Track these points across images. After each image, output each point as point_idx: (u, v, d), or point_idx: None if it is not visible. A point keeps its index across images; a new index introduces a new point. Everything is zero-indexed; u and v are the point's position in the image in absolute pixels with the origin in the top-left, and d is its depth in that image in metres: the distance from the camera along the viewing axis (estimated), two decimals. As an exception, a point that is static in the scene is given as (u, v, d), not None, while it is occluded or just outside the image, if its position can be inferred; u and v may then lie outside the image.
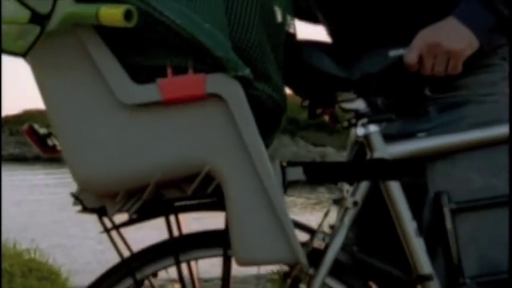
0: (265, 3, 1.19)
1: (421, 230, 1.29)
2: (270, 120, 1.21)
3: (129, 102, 1.15)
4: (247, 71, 1.12)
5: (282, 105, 1.19)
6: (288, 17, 1.28)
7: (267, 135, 1.21)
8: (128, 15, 1.05)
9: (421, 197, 1.32)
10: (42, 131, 1.28)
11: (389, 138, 1.31)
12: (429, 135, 1.34)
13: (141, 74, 1.15)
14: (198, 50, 1.11)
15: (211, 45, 1.10)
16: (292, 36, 1.29)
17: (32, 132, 1.28)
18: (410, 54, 1.27)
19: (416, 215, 1.29)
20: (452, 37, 1.26)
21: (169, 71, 1.14)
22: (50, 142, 1.27)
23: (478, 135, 1.31)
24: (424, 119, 1.37)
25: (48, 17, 1.07)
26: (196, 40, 1.09)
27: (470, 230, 1.31)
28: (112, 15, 1.06)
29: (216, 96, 1.14)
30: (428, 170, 1.33)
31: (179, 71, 1.14)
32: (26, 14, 1.06)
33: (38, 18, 1.07)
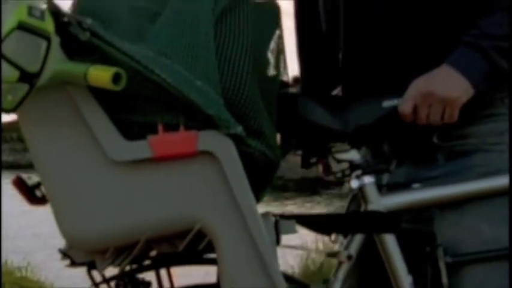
0: (258, 52, 1.18)
1: (421, 283, 1.27)
2: (262, 175, 1.19)
3: (119, 159, 1.13)
4: (239, 129, 1.10)
5: (274, 162, 1.18)
6: (281, 65, 1.27)
7: (259, 191, 1.19)
8: (116, 79, 1.04)
9: (426, 246, 1.31)
10: (31, 181, 1.25)
11: (396, 186, 1.30)
12: (433, 184, 1.33)
13: (131, 130, 1.14)
14: (189, 107, 1.09)
15: (202, 103, 1.08)
16: (286, 85, 1.27)
17: (20, 183, 1.25)
18: (404, 105, 1.25)
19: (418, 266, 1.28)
20: (446, 85, 1.24)
21: (160, 127, 1.12)
22: (38, 193, 1.25)
23: (476, 187, 1.29)
24: (432, 167, 1.36)
25: (37, 75, 1.06)
26: (188, 98, 1.08)
27: (478, 282, 1.28)
28: (100, 77, 1.04)
29: (207, 154, 1.12)
30: (436, 218, 1.32)
31: (170, 127, 1.12)
32: (15, 74, 1.04)
33: (27, 77, 1.05)
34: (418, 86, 1.25)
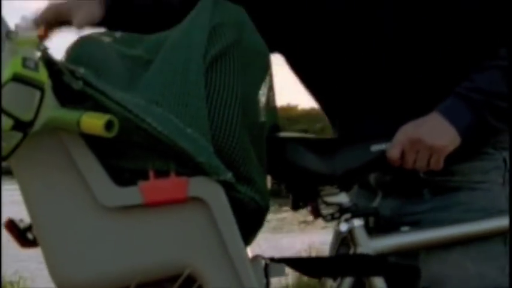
0: (249, 97, 1.19)
1: None
2: (251, 220, 1.20)
3: (110, 205, 1.13)
4: (229, 175, 1.12)
5: (264, 207, 1.19)
6: (272, 107, 1.28)
7: (248, 235, 1.20)
8: (108, 126, 1.05)
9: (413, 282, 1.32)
10: (23, 224, 1.26)
11: (382, 218, 1.31)
12: (419, 219, 1.34)
13: (122, 176, 1.15)
14: (180, 154, 1.10)
15: (193, 151, 1.09)
16: (276, 128, 1.29)
17: (12, 226, 1.26)
18: (392, 150, 1.27)
19: None
20: (434, 133, 1.26)
21: (151, 173, 1.13)
22: (30, 236, 1.26)
23: (466, 230, 1.31)
24: (418, 201, 1.38)
25: (31, 124, 1.07)
26: (178, 146, 1.09)
27: None
28: (93, 124, 1.06)
29: (198, 199, 1.13)
30: (422, 253, 1.33)
31: (161, 173, 1.13)
32: (9, 123, 1.05)
33: (21, 126, 1.07)
34: (407, 132, 1.27)
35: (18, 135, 1.08)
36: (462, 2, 1.29)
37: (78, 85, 1.09)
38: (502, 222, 1.31)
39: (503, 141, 1.36)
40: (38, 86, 1.04)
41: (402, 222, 1.37)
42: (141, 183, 1.13)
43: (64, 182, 1.15)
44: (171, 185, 1.13)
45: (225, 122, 1.12)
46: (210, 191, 1.13)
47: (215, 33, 1.16)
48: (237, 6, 1.21)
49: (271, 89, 1.25)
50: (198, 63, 1.13)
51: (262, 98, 1.23)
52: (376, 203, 1.42)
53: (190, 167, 1.11)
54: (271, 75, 1.27)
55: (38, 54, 1.10)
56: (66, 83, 1.10)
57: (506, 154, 1.37)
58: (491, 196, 1.36)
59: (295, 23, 1.41)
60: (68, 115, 1.09)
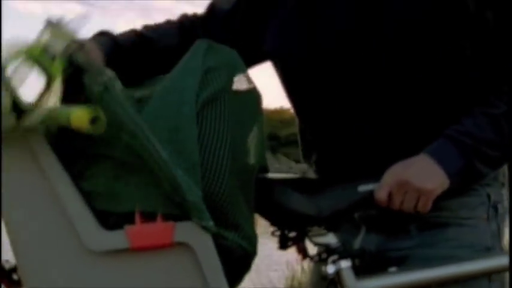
0: (239, 142, 1.18)
1: None
2: (238, 265, 1.20)
3: (96, 249, 1.13)
4: (210, 224, 1.11)
5: (251, 252, 1.19)
6: (262, 151, 1.27)
7: (235, 280, 1.20)
8: (94, 121, 1.06)
9: None
10: (9, 265, 1.25)
11: (367, 254, 1.31)
12: (406, 254, 1.34)
13: (109, 219, 1.14)
14: (169, 192, 1.10)
15: (185, 187, 1.09)
16: (264, 169, 1.28)
17: (-2, 266, 1.25)
18: (380, 191, 1.27)
19: None
20: (423, 175, 1.26)
21: (137, 217, 1.13)
22: (15, 276, 1.25)
23: (453, 271, 1.31)
24: (404, 237, 1.37)
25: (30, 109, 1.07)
26: (173, 176, 1.08)
27: None
28: (79, 118, 1.06)
29: (184, 245, 1.13)
30: None
31: (148, 215, 1.13)
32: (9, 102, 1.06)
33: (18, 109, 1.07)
34: (395, 174, 1.27)
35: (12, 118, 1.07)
36: (459, 48, 1.30)
37: (98, 88, 1.09)
38: (489, 262, 1.31)
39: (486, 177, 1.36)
40: (47, 73, 1.06)
41: (389, 258, 1.36)
42: (128, 228, 1.12)
43: (50, 225, 1.15)
44: (157, 230, 1.13)
45: (214, 168, 1.12)
46: (196, 236, 1.12)
47: (207, 77, 1.16)
48: (229, 49, 1.21)
49: (261, 130, 1.25)
50: (191, 107, 1.13)
51: (253, 140, 1.22)
52: (360, 238, 1.41)
53: (177, 207, 1.11)
54: (262, 119, 1.26)
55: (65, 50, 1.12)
56: (83, 82, 1.10)
57: (489, 190, 1.38)
58: (478, 232, 1.36)
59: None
60: (63, 110, 1.08)
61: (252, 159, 1.21)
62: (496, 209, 1.39)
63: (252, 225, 1.20)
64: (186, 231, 1.12)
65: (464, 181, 1.30)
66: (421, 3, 1.29)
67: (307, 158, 1.51)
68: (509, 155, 1.30)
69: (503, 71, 1.31)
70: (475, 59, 1.30)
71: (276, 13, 1.42)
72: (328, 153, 1.42)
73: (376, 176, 1.28)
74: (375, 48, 1.31)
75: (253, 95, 1.24)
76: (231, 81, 1.18)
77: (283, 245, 1.33)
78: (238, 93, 1.20)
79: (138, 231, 1.13)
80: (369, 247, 1.37)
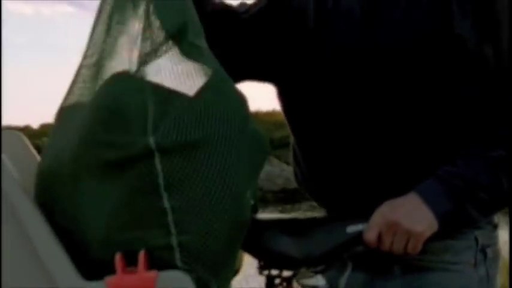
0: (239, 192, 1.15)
1: None
2: None
3: (75, 301, 1.10)
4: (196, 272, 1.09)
5: None
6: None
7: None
8: None
9: None
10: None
11: None
12: None
13: (89, 268, 1.11)
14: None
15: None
16: (254, 209, 1.25)
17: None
18: (369, 232, 1.23)
19: None
20: (412, 217, 1.22)
21: (118, 266, 1.09)
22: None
23: None
24: (388, 277, 1.34)
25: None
26: None
27: None
28: None
29: (167, 295, 1.09)
30: None
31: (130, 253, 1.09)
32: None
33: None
34: (384, 214, 1.23)
35: None
36: (462, 88, 1.26)
37: None
38: None
39: None
40: None
41: None
42: (108, 279, 1.09)
43: (28, 275, 1.12)
44: (138, 281, 1.09)
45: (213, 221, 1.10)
46: (180, 286, 1.09)
47: None
48: None
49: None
50: None
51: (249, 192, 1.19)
52: (346, 275, 1.38)
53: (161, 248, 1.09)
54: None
55: None
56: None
57: (478, 233, 1.33)
58: (463, 278, 1.31)
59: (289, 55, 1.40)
60: None
61: (247, 213, 1.17)
62: (484, 253, 1.33)
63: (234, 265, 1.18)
64: (169, 281, 1.09)
65: (454, 224, 1.26)
66: (413, 33, 1.27)
67: (299, 184, 1.48)
68: (507, 200, 1.26)
69: (503, 111, 1.26)
70: (475, 96, 1.26)
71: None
72: (322, 178, 1.39)
73: (365, 216, 1.25)
74: (371, 73, 1.29)
75: (261, 145, 1.20)
76: None
77: (270, 286, 1.30)
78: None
79: (119, 283, 1.09)
80: (354, 285, 1.35)
